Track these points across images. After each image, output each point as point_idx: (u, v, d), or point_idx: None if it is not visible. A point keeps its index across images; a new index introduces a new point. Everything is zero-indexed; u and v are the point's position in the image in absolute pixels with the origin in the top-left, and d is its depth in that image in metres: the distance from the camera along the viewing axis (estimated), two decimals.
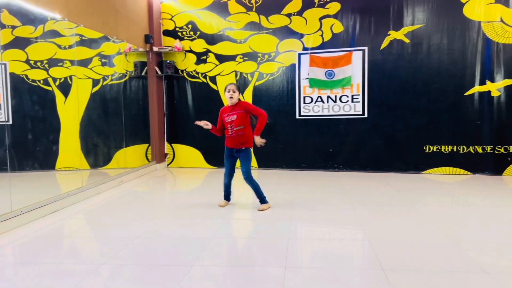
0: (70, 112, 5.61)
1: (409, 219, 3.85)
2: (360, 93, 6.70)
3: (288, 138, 7.06)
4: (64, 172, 5.81)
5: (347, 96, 6.76)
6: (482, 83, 6.25)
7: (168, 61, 7.19)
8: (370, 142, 6.73)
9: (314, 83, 6.84)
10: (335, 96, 6.81)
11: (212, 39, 7.17)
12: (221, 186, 5.66)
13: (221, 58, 7.15)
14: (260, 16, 6.96)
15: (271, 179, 6.25)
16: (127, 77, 6.86)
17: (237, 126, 4.12)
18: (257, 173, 6.84)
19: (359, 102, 6.73)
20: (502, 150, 6.22)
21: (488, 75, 6.23)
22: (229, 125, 4.16)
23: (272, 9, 6.90)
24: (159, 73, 7.19)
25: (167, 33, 7.35)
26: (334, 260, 2.84)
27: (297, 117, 6.97)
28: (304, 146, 6.99)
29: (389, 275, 2.50)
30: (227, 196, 4.50)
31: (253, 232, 3.67)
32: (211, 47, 7.17)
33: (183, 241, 3.29)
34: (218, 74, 7.19)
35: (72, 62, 5.46)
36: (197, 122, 4.29)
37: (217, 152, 7.21)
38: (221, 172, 6.94)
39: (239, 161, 4.23)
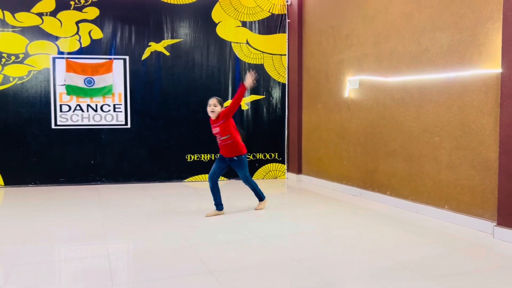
0: None
1: (157, 228, 4.21)
2: (122, 102, 6.93)
3: (42, 150, 6.70)
4: None
5: (109, 106, 6.89)
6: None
7: None
8: (133, 152, 7.02)
9: (72, 90, 6.72)
10: (96, 105, 6.85)
11: None
12: None
13: None
14: (4, 11, 6.45)
15: (19, 199, 5.82)
16: None
17: (222, 136, 4.42)
18: (2, 192, 6.27)
19: (121, 112, 6.95)
20: (251, 157, 7.42)
21: None
22: (216, 135, 4.52)
23: (19, 5, 6.50)
24: None
25: None
26: (62, 281, 2.91)
27: (53, 126, 6.71)
28: (62, 158, 6.77)
29: None
30: (218, 205, 4.62)
31: None
32: None
33: None
34: None
35: None
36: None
37: None
38: None
39: (235, 169, 4.60)
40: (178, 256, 3.37)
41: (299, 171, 7.26)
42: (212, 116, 4.53)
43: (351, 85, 5.85)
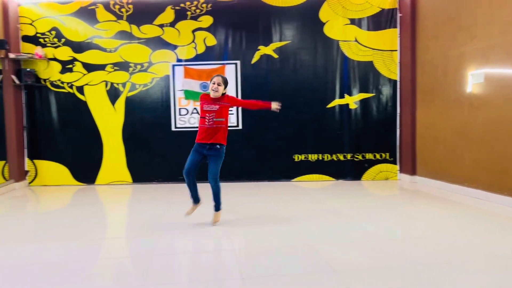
0: None
1: (275, 226, 4.35)
2: None
3: (163, 151, 7.31)
4: None
5: None
6: (342, 96, 7.26)
7: (28, 69, 6.97)
8: (244, 152, 7.32)
9: (189, 95, 7.22)
10: None
11: (79, 47, 7.15)
12: (89, 204, 5.70)
13: (90, 67, 7.16)
14: (131, 25, 7.16)
15: (145, 195, 6.43)
16: None
17: (217, 117, 4.01)
18: (131, 188, 6.96)
19: (233, 114, 7.28)
20: (360, 157, 7.27)
21: (346, 89, 7.26)
22: (207, 114, 4.02)
23: (144, 19, 7.16)
24: (17, 82, 6.92)
25: (26, 39, 7.13)
26: (195, 273, 3.13)
27: (173, 129, 7.26)
28: (181, 158, 7.22)
29: (247, 283, 2.83)
30: (195, 198, 4.29)
31: (117, 251, 3.77)
32: (78, 55, 7.15)
33: (34, 267, 3.28)
34: (86, 84, 7.18)
35: None
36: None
37: (85, 167, 7.19)
38: (90, 188, 6.95)
39: (209, 160, 4.09)
40: (298, 253, 3.45)
41: (413, 172, 6.93)
42: (214, 95, 4.09)
43: (474, 80, 5.42)
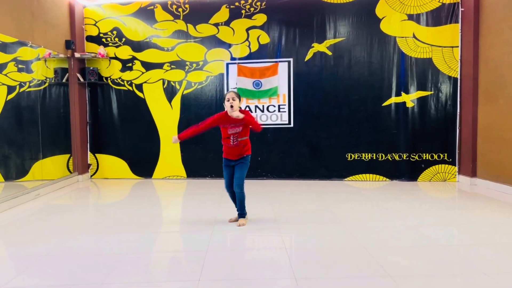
0: None
1: (327, 225, 4.34)
2: (286, 103, 7.28)
3: (217, 147, 7.38)
4: None
5: (274, 106, 7.31)
6: (398, 94, 7.06)
7: (92, 68, 7.35)
8: (296, 150, 7.32)
9: (242, 92, 7.30)
10: (263, 106, 7.33)
11: (138, 46, 7.44)
12: (146, 197, 5.94)
13: (148, 66, 7.43)
14: (188, 24, 7.34)
15: (199, 189, 6.60)
16: (46, 84, 6.92)
17: (241, 136, 4.21)
18: (186, 183, 7.17)
19: (285, 112, 7.30)
20: (416, 157, 7.05)
21: (403, 87, 7.05)
22: (232, 136, 4.21)
23: (200, 18, 7.32)
24: (82, 80, 7.32)
25: (90, 39, 7.51)
26: (248, 270, 3.18)
27: None
28: None
29: (300, 283, 2.82)
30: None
31: (173, 244, 3.92)
32: (137, 54, 7.43)
33: (96, 257, 3.45)
34: (145, 82, 7.46)
35: None
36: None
37: (143, 162, 7.48)
38: (147, 182, 7.22)
39: (235, 169, 4.29)
40: (351, 255, 3.41)
41: (473, 174, 6.62)
42: (232, 110, 4.13)
43: None
